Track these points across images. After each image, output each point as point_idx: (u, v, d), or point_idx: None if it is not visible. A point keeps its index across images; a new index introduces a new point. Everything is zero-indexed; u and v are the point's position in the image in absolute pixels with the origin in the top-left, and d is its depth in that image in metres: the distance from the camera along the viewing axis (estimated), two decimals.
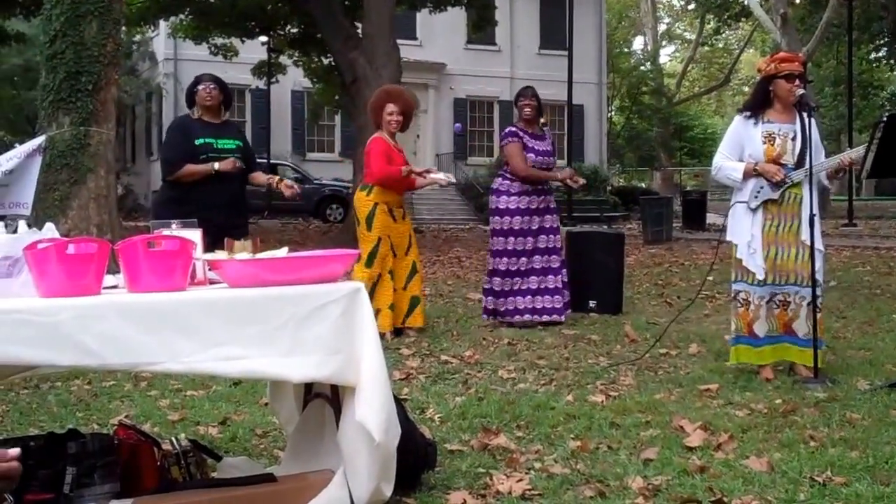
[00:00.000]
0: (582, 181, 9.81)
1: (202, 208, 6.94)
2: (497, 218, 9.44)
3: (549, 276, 9.46)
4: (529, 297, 9.42)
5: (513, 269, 9.37)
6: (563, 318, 9.48)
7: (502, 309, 9.44)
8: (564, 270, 9.54)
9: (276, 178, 7.94)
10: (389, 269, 8.80)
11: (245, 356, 3.58)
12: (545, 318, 9.41)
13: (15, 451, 2.27)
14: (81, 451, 3.86)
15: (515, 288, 9.41)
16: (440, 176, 9.08)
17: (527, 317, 9.41)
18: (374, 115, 9.03)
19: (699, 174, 56.26)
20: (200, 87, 7.64)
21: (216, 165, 7.48)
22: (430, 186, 9.45)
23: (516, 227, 9.36)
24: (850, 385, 6.45)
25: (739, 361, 6.94)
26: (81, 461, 3.83)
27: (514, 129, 9.53)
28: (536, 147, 9.42)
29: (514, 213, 9.36)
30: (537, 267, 9.43)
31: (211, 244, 4.27)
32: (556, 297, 9.46)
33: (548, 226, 9.48)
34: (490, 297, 9.47)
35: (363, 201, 8.82)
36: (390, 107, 8.89)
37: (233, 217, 7.47)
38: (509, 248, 9.36)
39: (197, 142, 7.53)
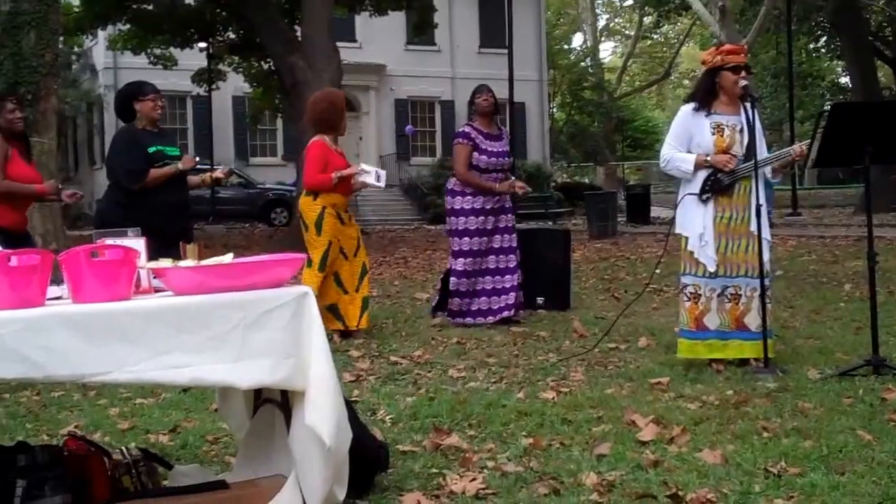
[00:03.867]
0: (525, 189, 9.58)
1: (152, 214, 7.05)
2: (453, 219, 9.31)
3: (506, 276, 9.34)
4: (485, 297, 9.34)
5: (470, 269, 9.25)
6: (511, 313, 9.31)
7: (465, 309, 9.34)
8: (519, 271, 9.38)
9: (207, 174, 8.27)
10: (335, 272, 8.72)
11: (192, 364, 3.56)
12: (498, 317, 9.27)
13: None
14: (31, 463, 3.85)
15: (475, 288, 9.33)
16: (369, 179, 8.76)
17: (479, 319, 9.30)
18: (332, 117, 8.77)
19: (642, 168, 56.68)
20: (149, 98, 7.64)
21: (179, 165, 7.63)
22: (374, 189, 9.39)
23: (472, 228, 9.23)
24: (800, 374, 6.49)
25: (686, 356, 6.95)
26: (31, 474, 3.81)
27: (467, 129, 9.37)
28: (490, 148, 9.24)
29: (468, 213, 9.23)
30: (492, 267, 9.32)
31: (162, 249, 4.26)
32: (511, 294, 9.31)
33: (503, 225, 9.34)
34: (456, 299, 9.33)
35: (310, 206, 8.67)
36: (343, 111, 8.85)
37: (182, 221, 7.63)
38: (465, 248, 9.25)
39: (150, 150, 7.58)
